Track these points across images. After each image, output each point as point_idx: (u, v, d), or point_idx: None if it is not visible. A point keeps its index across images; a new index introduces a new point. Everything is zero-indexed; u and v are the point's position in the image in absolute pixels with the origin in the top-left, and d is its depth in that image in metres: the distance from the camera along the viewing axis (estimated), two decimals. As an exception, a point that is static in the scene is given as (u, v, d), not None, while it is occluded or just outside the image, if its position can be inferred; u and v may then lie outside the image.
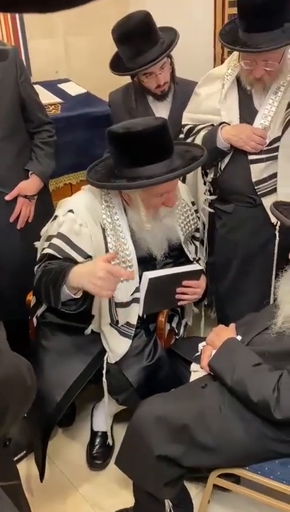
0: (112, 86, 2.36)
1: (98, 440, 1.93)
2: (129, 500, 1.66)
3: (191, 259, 1.86)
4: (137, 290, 1.68)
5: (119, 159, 1.55)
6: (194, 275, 1.74)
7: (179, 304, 1.80)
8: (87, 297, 1.52)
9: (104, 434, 1.93)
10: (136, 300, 1.68)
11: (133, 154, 1.50)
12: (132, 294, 1.67)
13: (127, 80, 2.23)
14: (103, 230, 1.63)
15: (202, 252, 2.06)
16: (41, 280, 1.56)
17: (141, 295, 1.68)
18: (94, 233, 1.62)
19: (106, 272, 1.37)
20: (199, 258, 1.94)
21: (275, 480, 1.41)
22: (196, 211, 1.91)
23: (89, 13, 2.84)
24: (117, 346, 1.67)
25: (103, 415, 1.92)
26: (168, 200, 1.59)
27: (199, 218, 1.94)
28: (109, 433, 1.91)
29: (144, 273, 1.65)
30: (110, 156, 1.61)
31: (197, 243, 1.99)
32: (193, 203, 1.90)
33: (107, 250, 1.63)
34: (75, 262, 1.59)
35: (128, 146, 1.50)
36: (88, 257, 1.63)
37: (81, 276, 1.41)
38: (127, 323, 1.68)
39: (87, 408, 2.08)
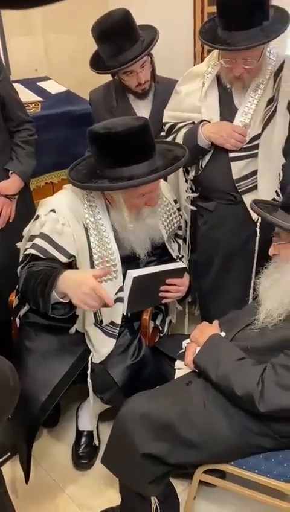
0: (92, 84, 2.35)
1: (83, 440, 1.93)
2: (116, 499, 1.66)
3: (175, 257, 1.86)
4: (121, 289, 1.67)
5: (100, 159, 1.54)
6: (177, 273, 1.75)
7: (163, 301, 1.81)
8: None
9: (90, 433, 1.92)
10: (120, 299, 1.68)
11: (114, 154, 1.49)
12: (116, 294, 1.67)
13: (107, 78, 2.22)
14: (86, 229, 1.63)
15: (184, 250, 2.07)
16: (29, 283, 1.55)
17: (125, 294, 1.68)
18: (77, 232, 1.61)
19: (91, 290, 1.39)
20: (182, 256, 1.95)
21: (260, 474, 1.43)
22: (179, 209, 1.92)
23: (69, 11, 2.82)
24: (101, 346, 1.67)
25: (88, 415, 1.92)
26: (151, 200, 1.59)
27: (181, 216, 1.95)
28: (94, 433, 1.90)
29: (128, 271, 1.65)
30: (92, 155, 1.60)
31: (180, 241, 1.99)
32: (176, 201, 1.90)
33: (90, 250, 1.63)
34: (59, 262, 1.59)
35: (109, 146, 1.49)
36: (71, 257, 1.62)
37: (69, 285, 1.44)
38: (112, 323, 1.68)
39: (72, 408, 2.07)
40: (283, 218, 1.34)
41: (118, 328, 1.69)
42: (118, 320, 1.69)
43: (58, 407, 2.08)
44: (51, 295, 1.47)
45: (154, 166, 1.51)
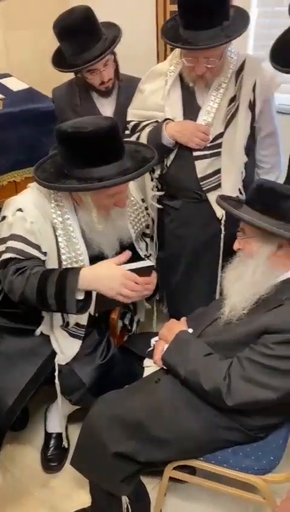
0: (55, 81, 2.31)
1: (52, 442, 1.91)
2: (87, 500, 1.66)
3: (142, 256, 1.86)
4: None
5: (68, 159, 1.51)
6: (145, 271, 1.75)
7: (131, 301, 1.81)
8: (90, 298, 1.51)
9: (59, 435, 1.90)
10: None
11: (83, 154, 1.46)
12: None
13: (70, 75, 2.19)
14: (54, 229, 1.60)
15: (152, 248, 2.07)
16: (27, 290, 1.47)
17: (93, 293, 1.66)
18: (45, 231, 1.58)
19: (125, 279, 1.48)
20: (150, 255, 1.95)
21: (229, 468, 1.45)
22: (146, 208, 1.92)
23: (29, 7, 2.77)
24: (67, 348, 1.65)
25: (56, 417, 1.90)
26: (120, 201, 1.57)
27: (148, 214, 1.96)
28: (63, 434, 1.89)
29: None
30: (59, 154, 1.58)
31: (148, 240, 2.00)
32: (143, 200, 1.90)
33: (58, 250, 1.60)
34: (39, 260, 1.56)
35: (78, 146, 1.46)
36: (45, 254, 1.59)
37: (98, 281, 1.47)
38: (77, 324, 1.67)
39: (40, 410, 2.05)
40: (248, 213, 1.36)
41: (84, 330, 1.67)
42: (84, 321, 1.67)
43: (26, 410, 2.05)
44: (76, 294, 1.44)
45: (124, 167, 1.49)
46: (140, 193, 1.90)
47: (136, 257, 1.85)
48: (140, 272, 1.72)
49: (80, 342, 1.66)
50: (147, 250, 1.95)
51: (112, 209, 1.58)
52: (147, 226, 1.96)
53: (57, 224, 1.59)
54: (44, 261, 1.59)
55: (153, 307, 2.20)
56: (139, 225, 1.84)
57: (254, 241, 1.38)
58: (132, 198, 1.80)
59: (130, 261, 1.80)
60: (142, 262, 1.75)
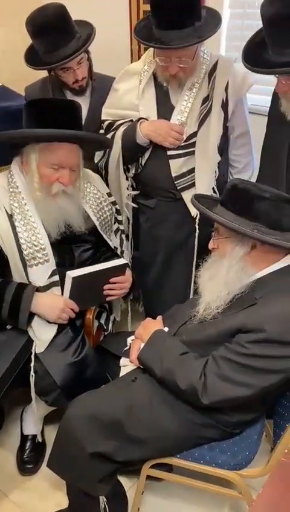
0: (27, 79, 2.28)
1: (28, 444, 1.88)
2: (64, 502, 1.64)
3: (113, 248, 1.87)
4: (54, 273, 1.67)
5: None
6: (119, 270, 1.75)
7: (107, 299, 1.81)
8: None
9: (35, 437, 1.88)
10: (55, 283, 1.68)
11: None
12: (49, 278, 1.67)
13: (43, 73, 2.17)
14: (10, 216, 1.62)
15: (127, 247, 2.07)
16: None
17: (66, 294, 1.66)
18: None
19: (62, 311, 1.66)
20: (123, 251, 1.95)
21: (205, 464, 1.46)
22: (114, 203, 1.92)
23: (1, 3, 2.72)
24: (43, 333, 1.65)
25: (32, 418, 1.87)
26: (63, 177, 1.60)
27: (118, 210, 1.95)
28: (39, 436, 1.87)
29: (66, 272, 1.64)
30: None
31: (123, 236, 2.00)
32: (109, 194, 1.91)
33: (16, 236, 1.62)
34: None
35: None
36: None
37: (43, 310, 1.64)
38: None
39: (15, 413, 2.02)
40: (222, 213, 1.37)
41: None
42: None
43: (1, 412, 2.02)
44: (26, 317, 1.61)
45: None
46: (106, 187, 1.91)
47: (110, 255, 1.85)
48: (113, 270, 1.73)
49: (55, 326, 1.67)
50: (121, 246, 1.95)
51: (54, 184, 1.61)
52: (119, 222, 1.97)
53: (14, 210, 1.62)
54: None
55: (128, 307, 2.20)
56: (102, 214, 1.84)
57: (228, 241, 1.40)
58: (93, 187, 1.82)
59: (106, 259, 1.81)
60: (116, 261, 1.75)
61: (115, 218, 1.96)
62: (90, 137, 1.73)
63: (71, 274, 1.62)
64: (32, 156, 1.59)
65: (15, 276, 1.67)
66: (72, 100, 1.71)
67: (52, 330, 1.66)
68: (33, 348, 1.65)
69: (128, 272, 1.80)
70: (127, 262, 1.79)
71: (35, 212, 1.64)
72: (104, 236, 1.84)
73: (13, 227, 1.62)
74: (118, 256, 1.87)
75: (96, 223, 1.79)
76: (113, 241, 1.92)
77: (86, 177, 1.81)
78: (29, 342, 1.66)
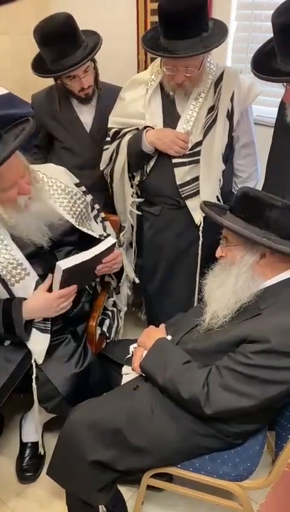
0: (34, 87, 2.31)
1: (28, 451, 1.87)
2: (63, 510, 1.62)
3: (98, 237, 1.81)
4: (38, 283, 1.63)
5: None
6: (108, 251, 1.71)
7: (101, 274, 1.78)
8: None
9: (34, 445, 1.87)
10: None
11: None
12: (35, 290, 1.63)
13: (50, 81, 2.19)
14: None
15: (130, 255, 2.06)
16: None
17: (55, 286, 1.62)
18: None
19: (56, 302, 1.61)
20: (109, 234, 1.89)
21: (206, 474, 1.45)
22: (85, 192, 1.85)
23: (8, 11, 2.75)
24: (36, 344, 1.63)
25: (32, 425, 1.86)
26: (22, 188, 1.54)
27: (93, 199, 1.90)
28: (39, 443, 1.85)
29: (56, 263, 1.56)
30: None
31: (106, 223, 1.96)
32: (78, 185, 1.84)
33: None
34: None
35: None
36: None
37: (37, 313, 1.61)
38: (43, 319, 1.65)
39: (14, 419, 2.01)
40: (232, 221, 1.37)
41: (49, 323, 1.65)
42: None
43: (1, 419, 2.01)
44: (22, 328, 1.58)
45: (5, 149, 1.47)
46: (72, 178, 1.85)
47: (93, 240, 1.78)
48: (104, 253, 1.69)
49: (48, 335, 1.64)
50: (105, 230, 1.92)
51: (18, 198, 1.55)
52: (98, 210, 1.93)
53: None
54: None
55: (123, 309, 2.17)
56: (76, 208, 1.77)
57: (237, 249, 1.39)
58: (59, 183, 1.76)
59: (89, 246, 1.75)
60: (104, 242, 1.69)
61: (92, 206, 1.90)
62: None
63: (62, 265, 1.54)
64: None
65: (2, 297, 1.64)
66: None
67: (45, 341, 1.64)
68: (33, 360, 1.63)
69: (117, 250, 1.77)
70: (114, 241, 1.72)
71: (4, 232, 1.59)
72: (85, 230, 1.77)
73: None
74: (99, 239, 1.80)
75: (72, 221, 1.72)
76: (96, 230, 1.87)
77: (49, 173, 1.74)
78: (30, 353, 1.64)
